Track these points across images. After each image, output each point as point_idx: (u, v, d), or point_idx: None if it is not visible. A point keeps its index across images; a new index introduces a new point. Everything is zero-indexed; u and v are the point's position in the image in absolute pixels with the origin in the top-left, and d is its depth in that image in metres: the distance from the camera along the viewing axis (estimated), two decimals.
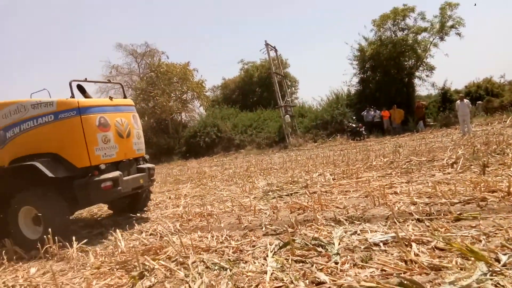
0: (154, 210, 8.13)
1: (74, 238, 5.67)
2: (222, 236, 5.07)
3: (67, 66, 51.73)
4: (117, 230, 5.95)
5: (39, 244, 5.46)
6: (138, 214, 7.70)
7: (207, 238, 5.08)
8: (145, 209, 8.24)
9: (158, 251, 4.79)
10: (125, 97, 7.74)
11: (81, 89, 6.89)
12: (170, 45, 60.75)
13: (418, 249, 3.56)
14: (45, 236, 5.41)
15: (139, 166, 7.42)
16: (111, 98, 7.09)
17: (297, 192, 7.50)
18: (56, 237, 5.48)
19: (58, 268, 4.92)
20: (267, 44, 22.13)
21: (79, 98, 6.57)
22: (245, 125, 24.80)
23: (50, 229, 5.58)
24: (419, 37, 21.90)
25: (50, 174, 5.95)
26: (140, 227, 6.50)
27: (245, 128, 24.50)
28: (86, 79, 6.92)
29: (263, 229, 5.20)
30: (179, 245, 4.64)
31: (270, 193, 7.86)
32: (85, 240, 5.74)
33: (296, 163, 12.76)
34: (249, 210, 6.46)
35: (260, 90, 29.17)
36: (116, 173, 6.55)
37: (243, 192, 8.58)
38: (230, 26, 65.06)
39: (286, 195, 7.39)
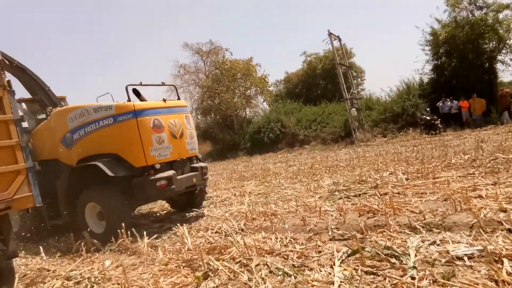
0: (220, 207, 8.17)
1: (145, 233, 6.02)
2: (286, 238, 4.93)
3: (141, 67, 55.26)
4: (184, 227, 6.18)
5: (113, 238, 5.91)
6: (199, 211, 7.88)
7: (271, 239, 4.96)
8: (204, 205, 8.43)
9: (222, 250, 4.83)
10: (178, 98, 7.75)
11: (136, 92, 7.00)
12: (234, 42, 61.70)
13: (511, 266, 3.07)
14: (118, 230, 5.80)
15: (192, 165, 7.48)
16: (164, 100, 7.14)
17: (366, 193, 6.92)
18: (128, 231, 5.83)
19: (130, 262, 5.16)
20: (330, 34, 21.11)
21: (135, 101, 6.68)
22: (309, 119, 24.08)
23: (111, 223, 6.20)
24: (501, 16, 19.11)
25: (110, 173, 6.23)
26: (206, 224, 6.67)
27: (309, 123, 23.79)
28: (141, 82, 7.05)
29: (330, 233, 4.93)
30: (243, 246, 4.61)
31: (336, 193, 7.42)
32: (155, 236, 6.10)
33: (364, 160, 11.97)
34: (314, 211, 6.19)
35: (324, 82, 28.15)
36: (170, 172, 6.70)
37: (307, 191, 8.23)
38: (292, 18, 64.03)
39: (353, 196, 6.88)
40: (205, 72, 30.35)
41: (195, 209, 8.00)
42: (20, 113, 6.91)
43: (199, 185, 7.55)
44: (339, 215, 5.69)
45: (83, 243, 6.08)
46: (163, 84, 7.60)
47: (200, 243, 5.42)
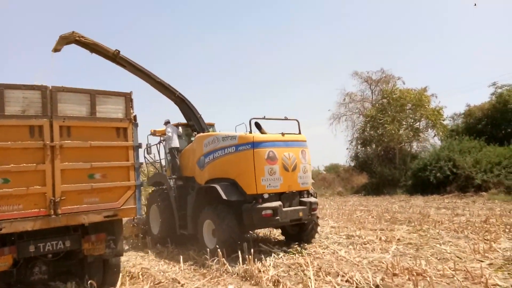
0: (359, 250, 7.59)
1: (271, 263, 6.42)
2: None
3: (308, 93, 58.27)
4: (312, 268, 6.01)
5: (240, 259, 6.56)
6: (336, 249, 7.68)
7: None
8: (343, 244, 8.27)
9: None
10: (299, 132, 8.26)
11: (257, 125, 7.93)
12: (408, 71, 57.80)
13: None
14: (247, 255, 6.40)
15: (302, 199, 7.87)
16: (283, 134, 7.82)
17: None
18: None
19: None
20: None
21: (255, 133, 7.63)
22: (492, 162, 20.67)
23: (220, 242, 7.09)
24: None
25: (224, 197, 7.26)
26: (338, 268, 6.10)
27: (491, 166, 20.42)
28: (264, 116, 7.97)
29: None
30: None
31: None
32: (281, 268, 6.27)
33: None
34: (479, 283, 5.10)
35: None
36: (276, 204, 7.31)
37: (474, 252, 6.88)
38: (479, 42, 55.37)
39: None
40: (371, 101, 29.85)
41: (305, 243, 8.28)
42: (170, 133, 9.03)
43: (305, 220, 7.89)
44: None
45: (215, 260, 6.57)
46: (286, 118, 8.35)
47: None
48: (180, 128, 10.00)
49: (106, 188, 5.06)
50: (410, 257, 6.78)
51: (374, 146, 27.11)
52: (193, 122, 9.54)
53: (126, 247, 8.86)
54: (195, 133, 9.36)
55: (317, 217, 8.58)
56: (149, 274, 6.40)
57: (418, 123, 26.03)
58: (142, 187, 5.47)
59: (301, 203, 7.83)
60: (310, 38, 62.96)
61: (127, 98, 5.37)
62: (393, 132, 24.23)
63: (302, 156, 7.97)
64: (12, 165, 4.39)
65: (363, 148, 28.61)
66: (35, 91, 4.64)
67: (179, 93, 9.40)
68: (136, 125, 5.43)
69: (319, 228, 9.01)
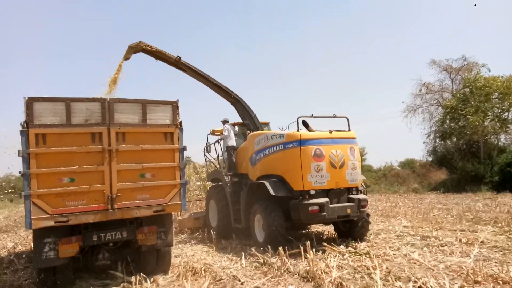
0: (435, 253, 7.05)
1: (334, 265, 6.13)
2: None
3: (378, 86, 55.75)
4: (380, 270, 5.66)
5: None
6: (409, 251, 7.15)
7: None
8: (417, 246, 7.80)
9: None
10: (349, 130, 8.38)
11: (305, 123, 8.23)
12: (494, 57, 52.01)
13: None
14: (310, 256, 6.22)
15: (350, 196, 8.03)
16: (330, 131, 8.04)
17: None
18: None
19: None
20: None
21: (302, 131, 7.98)
22: None
23: (268, 236, 7.65)
24: None
25: (272, 193, 7.76)
26: (410, 273, 5.65)
27: None
28: (312, 115, 8.29)
29: None
30: None
31: None
32: (345, 270, 5.97)
33: None
34: None
35: None
36: (323, 200, 7.61)
37: None
38: None
39: None
40: (451, 91, 27.89)
41: (355, 240, 8.33)
42: (227, 132, 9.72)
43: (353, 217, 8.04)
44: None
45: (276, 259, 6.65)
46: (334, 116, 8.52)
47: None
48: (236, 127, 10.66)
49: (155, 186, 5.86)
50: (496, 262, 6.16)
51: (454, 139, 25.50)
52: (248, 121, 10.14)
53: (193, 242, 9.54)
54: (248, 132, 9.93)
55: (368, 214, 8.64)
56: (211, 270, 6.53)
57: (506, 113, 23.83)
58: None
59: (350, 200, 8.00)
60: (383, 28, 60.14)
61: (174, 106, 6.13)
62: (477, 123, 22.54)
63: (350, 153, 8.11)
64: (77, 166, 5.34)
65: (442, 142, 27.03)
66: (96, 103, 5.56)
67: (235, 94, 10.07)
68: (181, 129, 6.16)
69: (390, 227, 9.21)
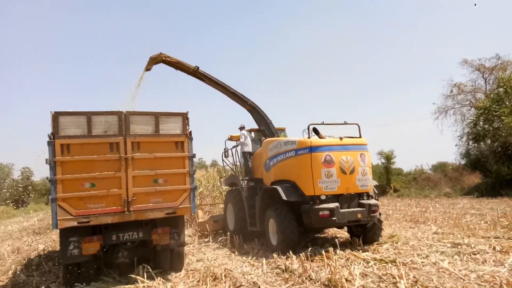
0: (466, 262, 6.76)
1: (357, 273, 5.97)
2: None
3: (414, 87, 54.49)
4: (403, 281, 5.44)
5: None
6: (438, 259, 6.88)
7: None
8: (447, 253, 7.49)
9: None
10: (360, 136, 8.72)
11: (315, 131, 8.62)
12: None
13: None
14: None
15: (361, 201, 8.36)
16: (341, 138, 8.40)
17: None
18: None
19: None
20: None
21: (313, 138, 8.41)
22: None
23: (281, 239, 8.02)
24: None
25: (284, 197, 8.21)
26: (438, 283, 5.51)
27: None
28: (323, 122, 8.70)
29: None
30: None
31: None
32: (369, 279, 5.84)
33: None
34: None
35: None
36: (333, 205, 7.98)
37: None
38: None
39: None
40: (484, 91, 27.13)
41: (368, 244, 8.58)
42: (243, 138, 10.27)
43: (363, 221, 8.34)
44: None
45: (298, 265, 6.71)
46: (345, 123, 8.86)
47: None
48: (253, 133, 11.20)
49: (167, 191, 6.51)
50: None
51: (489, 141, 24.79)
52: (264, 127, 10.63)
53: (215, 245, 9.85)
54: (263, 138, 10.42)
55: (379, 220, 8.86)
56: (232, 275, 6.59)
57: None
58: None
59: (360, 205, 8.31)
60: (411, 27, 58.91)
61: (184, 117, 6.78)
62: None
63: (361, 159, 8.43)
64: (97, 173, 6.07)
65: (475, 144, 26.31)
66: (113, 116, 6.27)
67: (251, 102, 10.60)
68: (191, 139, 6.80)
69: (419, 234, 9.23)
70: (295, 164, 8.49)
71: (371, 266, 6.67)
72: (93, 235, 6.28)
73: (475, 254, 7.18)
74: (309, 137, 8.37)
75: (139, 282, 6.09)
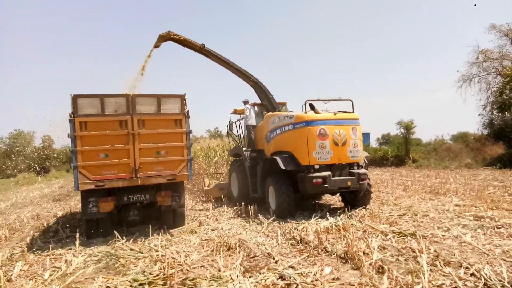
0: (490, 235, 6.73)
1: (376, 246, 6.04)
2: None
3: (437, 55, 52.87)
4: (423, 256, 5.33)
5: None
6: (460, 232, 6.94)
7: None
8: (471, 227, 7.48)
9: None
10: (353, 111, 9.81)
11: (311, 106, 9.70)
12: None
13: None
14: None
15: (351, 170, 9.57)
16: (335, 113, 9.48)
17: None
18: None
19: (350, 278, 4.92)
20: None
21: (309, 113, 9.51)
22: None
23: (279, 204, 9.35)
24: None
25: (282, 167, 9.48)
26: (461, 257, 5.46)
27: None
28: (319, 98, 9.79)
29: None
30: None
31: None
32: (388, 252, 5.84)
33: None
34: None
35: None
36: (326, 173, 9.22)
37: None
38: None
39: None
40: None
41: (358, 207, 9.74)
42: (247, 112, 11.50)
43: (353, 188, 9.57)
44: None
45: (313, 237, 6.89)
46: (339, 99, 9.89)
47: (442, 285, 4.46)
48: (256, 107, 12.39)
49: (168, 161, 8.00)
50: None
51: None
52: (266, 102, 11.79)
53: (231, 215, 10.29)
54: (265, 112, 11.59)
55: (369, 185, 10.11)
56: (246, 246, 6.75)
57: None
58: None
59: (350, 174, 9.52)
60: None
61: (182, 99, 8.15)
62: None
63: (352, 133, 9.54)
64: (110, 145, 7.56)
65: (499, 114, 26.33)
66: (122, 98, 7.69)
67: (254, 77, 11.74)
68: (188, 117, 8.19)
69: (439, 206, 9.82)
70: (293, 136, 9.64)
71: (390, 239, 6.71)
72: (108, 196, 7.87)
73: (499, 228, 7.15)
74: (305, 112, 9.49)
75: (153, 251, 6.62)
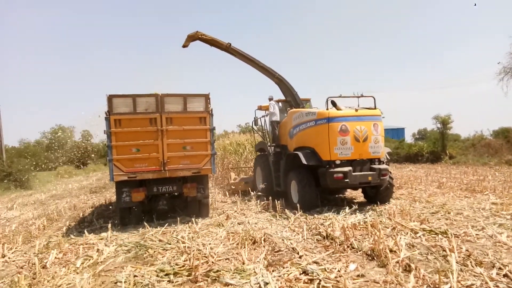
0: None
1: (403, 244, 5.98)
2: None
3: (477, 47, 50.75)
4: (454, 255, 5.19)
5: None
6: (496, 232, 6.76)
7: None
8: (507, 226, 7.34)
9: None
10: (375, 108, 10.21)
11: (333, 103, 10.17)
12: None
13: None
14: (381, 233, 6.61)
15: (372, 165, 9.99)
16: (356, 109, 9.92)
17: None
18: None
19: (375, 276, 4.89)
20: None
21: (331, 110, 10.04)
22: None
23: (301, 198, 9.94)
24: None
25: (304, 162, 10.04)
26: (495, 258, 5.36)
27: None
28: (340, 95, 10.32)
29: None
30: None
31: None
32: (416, 250, 5.79)
33: None
34: None
35: None
36: (347, 168, 9.69)
37: None
38: None
39: None
40: None
41: (380, 203, 10.16)
42: (272, 108, 12.10)
43: (374, 183, 10.00)
44: None
45: (339, 233, 6.89)
46: (362, 96, 10.30)
47: (472, 286, 4.37)
48: (280, 103, 12.98)
49: (193, 155, 8.86)
50: None
51: None
52: (290, 98, 12.36)
53: (258, 209, 10.49)
54: (289, 108, 12.15)
55: (391, 180, 10.49)
56: (271, 240, 6.91)
57: None
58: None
59: (371, 169, 9.93)
60: None
61: (206, 98, 8.96)
62: None
63: (374, 129, 9.94)
64: (141, 141, 8.48)
65: None
66: (152, 97, 8.59)
67: (278, 74, 12.33)
68: (212, 115, 9.00)
69: (474, 204, 9.77)
70: (315, 132, 10.16)
71: (419, 237, 6.65)
72: (140, 187, 8.81)
73: None
74: (327, 109, 9.97)
75: (180, 242, 6.94)
